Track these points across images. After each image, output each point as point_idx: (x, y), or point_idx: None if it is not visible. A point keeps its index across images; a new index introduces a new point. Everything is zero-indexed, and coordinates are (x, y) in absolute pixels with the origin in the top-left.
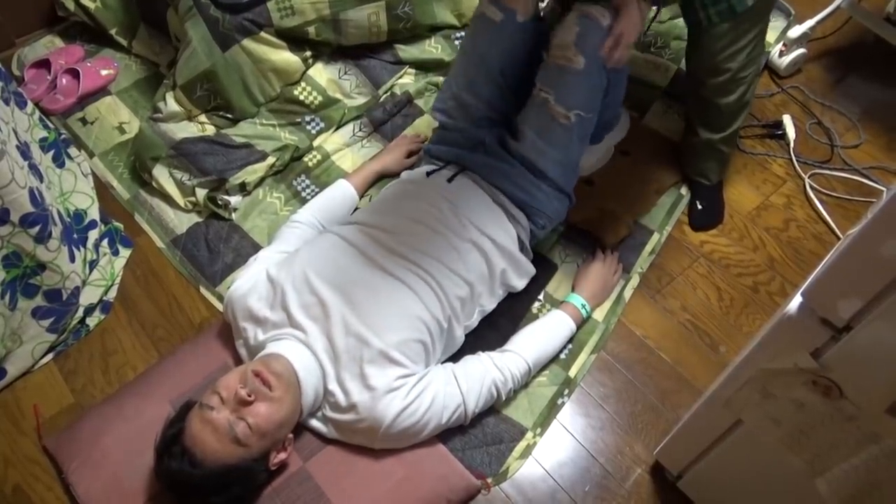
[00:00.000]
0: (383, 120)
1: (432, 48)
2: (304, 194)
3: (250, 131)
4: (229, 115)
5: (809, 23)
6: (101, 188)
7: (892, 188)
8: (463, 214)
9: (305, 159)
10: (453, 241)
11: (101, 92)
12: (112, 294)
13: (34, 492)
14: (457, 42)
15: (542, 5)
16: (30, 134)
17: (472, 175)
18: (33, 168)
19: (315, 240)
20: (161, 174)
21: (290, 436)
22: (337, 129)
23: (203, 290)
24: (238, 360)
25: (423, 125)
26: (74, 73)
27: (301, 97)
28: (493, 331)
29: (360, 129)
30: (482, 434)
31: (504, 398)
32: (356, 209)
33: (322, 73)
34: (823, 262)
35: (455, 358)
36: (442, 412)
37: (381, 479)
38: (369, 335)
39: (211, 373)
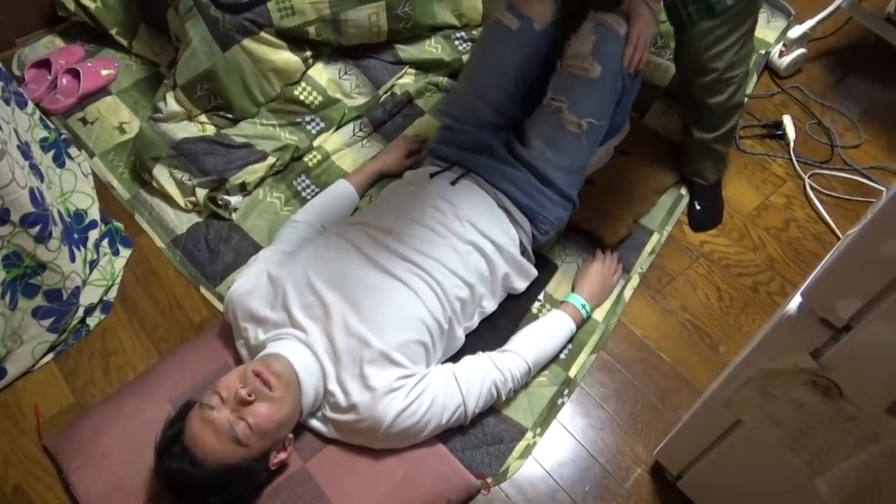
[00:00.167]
0: (383, 120)
1: (432, 48)
2: (304, 194)
3: (250, 131)
4: (229, 115)
5: (810, 23)
6: (102, 188)
7: (892, 188)
8: (465, 217)
9: (305, 159)
10: (455, 244)
11: (102, 92)
12: (112, 294)
13: (34, 491)
14: (457, 42)
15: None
16: (30, 134)
17: (477, 178)
18: (34, 168)
19: (316, 240)
20: (161, 174)
21: (291, 436)
22: (337, 129)
23: (203, 290)
24: (238, 360)
25: (424, 125)
26: (75, 73)
27: (301, 97)
28: (493, 331)
29: (361, 129)
30: (482, 434)
31: (504, 398)
32: (357, 209)
33: (322, 73)
34: (823, 263)
35: (455, 358)
36: (442, 412)
37: (381, 478)
38: (370, 336)
39: (211, 373)
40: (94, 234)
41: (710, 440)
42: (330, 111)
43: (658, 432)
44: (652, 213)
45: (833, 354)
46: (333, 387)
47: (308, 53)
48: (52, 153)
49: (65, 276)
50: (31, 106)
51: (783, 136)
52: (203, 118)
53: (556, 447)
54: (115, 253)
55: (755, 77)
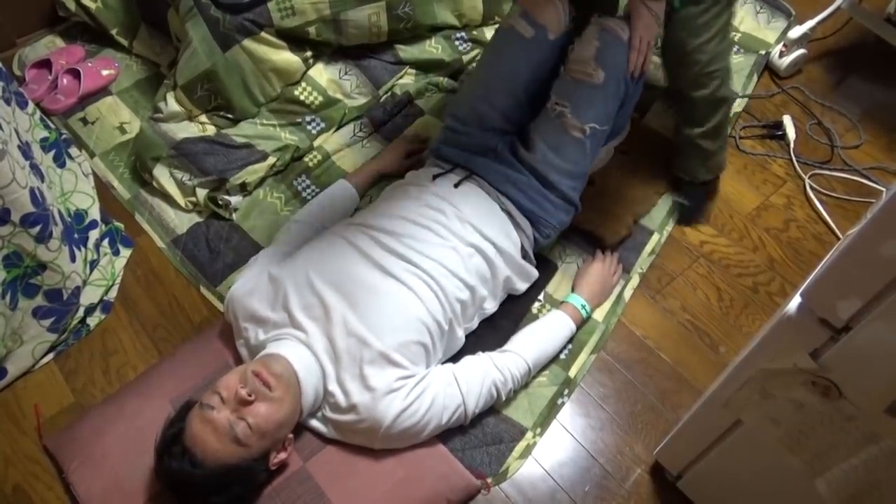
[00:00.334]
0: (384, 120)
1: (433, 48)
2: (304, 194)
3: (251, 131)
4: (230, 116)
5: (810, 23)
6: (102, 188)
7: (892, 188)
8: (467, 219)
9: (306, 159)
10: (456, 245)
11: (102, 92)
12: (113, 294)
13: (35, 491)
14: (457, 42)
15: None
16: (31, 134)
17: (479, 181)
18: (34, 168)
19: (317, 240)
20: (162, 174)
21: (291, 436)
22: (337, 129)
23: (203, 290)
24: (239, 360)
25: (424, 125)
26: (75, 73)
27: (301, 97)
28: (493, 331)
29: (361, 130)
30: (482, 434)
31: (504, 398)
32: (357, 209)
33: (322, 74)
34: (822, 263)
35: (455, 358)
36: (442, 413)
37: (381, 479)
38: (370, 336)
39: (211, 373)
40: (94, 234)
41: (710, 440)
42: (330, 111)
43: (658, 432)
44: (652, 213)
45: (832, 355)
46: (333, 387)
47: (308, 53)
48: (52, 153)
49: (65, 276)
50: (31, 106)
51: (783, 137)
52: (203, 118)
53: (556, 447)
54: (116, 253)
55: (755, 77)
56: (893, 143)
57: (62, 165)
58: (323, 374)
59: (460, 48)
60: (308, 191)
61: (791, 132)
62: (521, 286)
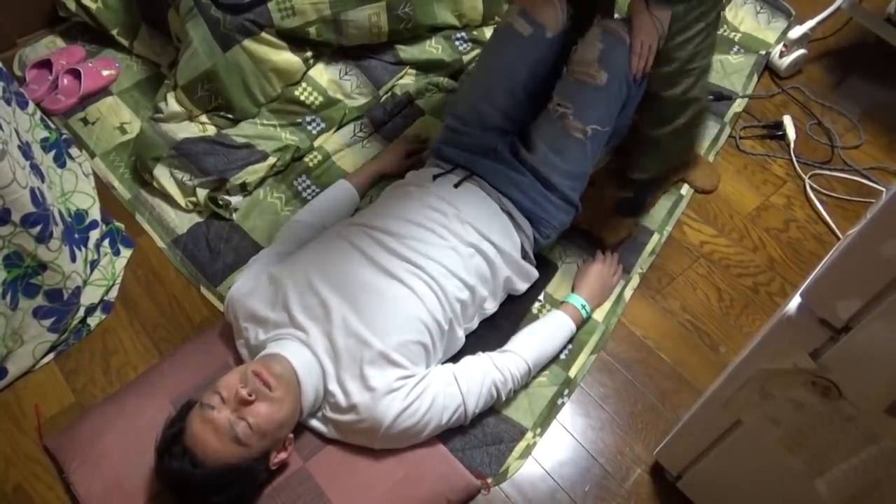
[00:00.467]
0: (384, 120)
1: (433, 49)
2: (304, 194)
3: (251, 131)
4: (230, 116)
5: (810, 23)
6: (103, 188)
7: (892, 188)
8: (467, 220)
9: (306, 159)
10: (456, 246)
11: (103, 92)
12: (113, 294)
13: (35, 491)
14: (457, 42)
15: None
16: (31, 134)
17: (480, 181)
18: (34, 168)
19: (317, 241)
20: (162, 174)
21: (291, 436)
22: (337, 129)
23: (204, 290)
24: (239, 360)
25: (424, 125)
26: (76, 74)
27: (302, 97)
28: (493, 331)
29: (361, 130)
30: (482, 434)
31: (504, 398)
32: (357, 209)
33: (323, 74)
34: (822, 263)
35: (455, 359)
36: (442, 413)
37: (381, 478)
38: (370, 336)
39: (212, 373)
40: (94, 234)
41: (710, 440)
42: (330, 111)
43: (658, 432)
44: (652, 213)
45: (832, 355)
46: (333, 387)
47: (309, 54)
48: (52, 153)
49: (65, 276)
50: (31, 106)
51: (783, 137)
52: (204, 118)
53: (556, 447)
54: (116, 253)
55: (755, 77)
56: (893, 144)
57: (62, 165)
58: (323, 374)
59: (460, 48)
60: (308, 191)
61: (791, 132)
62: (522, 286)
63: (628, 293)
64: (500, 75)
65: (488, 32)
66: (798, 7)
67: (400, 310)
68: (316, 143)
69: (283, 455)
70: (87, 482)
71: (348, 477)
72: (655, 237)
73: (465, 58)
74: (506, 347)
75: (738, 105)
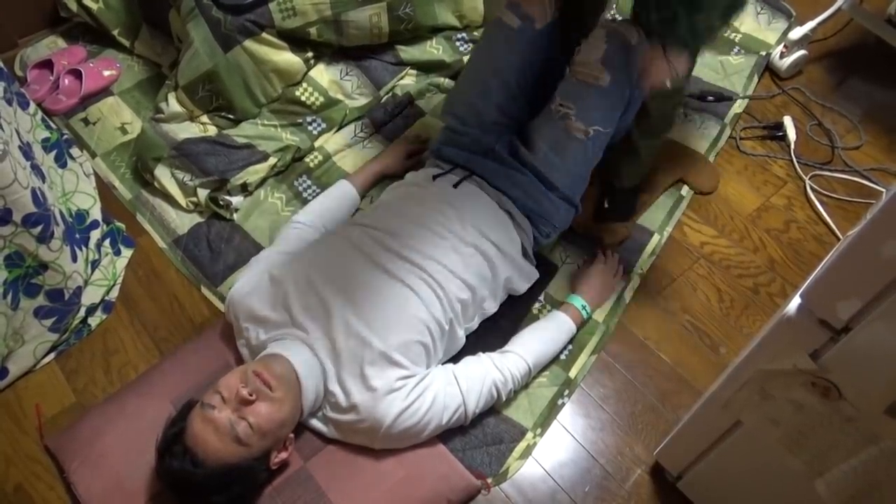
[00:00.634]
0: (385, 121)
1: (433, 49)
2: (305, 195)
3: (252, 132)
4: (231, 116)
5: (810, 24)
6: (103, 188)
7: (892, 189)
8: (467, 220)
9: (307, 160)
10: (457, 245)
11: (104, 92)
12: (114, 294)
13: (36, 491)
14: (458, 43)
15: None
16: (32, 134)
17: (479, 181)
18: (35, 168)
19: (318, 241)
20: (163, 174)
21: (291, 435)
22: (338, 129)
23: (204, 290)
24: (239, 360)
25: (425, 126)
26: (77, 74)
27: (302, 98)
28: (493, 331)
29: (362, 130)
30: (482, 434)
31: (504, 399)
32: (358, 210)
33: (323, 74)
34: (822, 264)
35: (456, 359)
36: (442, 413)
37: (381, 478)
38: (370, 336)
39: (212, 372)
40: (95, 235)
41: (710, 441)
42: (331, 112)
43: (658, 433)
44: (652, 214)
45: (832, 355)
46: (334, 387)
47: (309, 54)
48: (53, 153)
49: (66, 276)
50: (33, 106)
51: (784, 138)
52: (205, 119)
53: (557, 448)
54: (117, 253)
55: (756, 78)
56: (894, 145)
57: (63, 166)
58: (324, 374)
59: (461, 49)
60: (309, 191)
61: (791, 133)
62: (522, 286)
63: (628, 294)
64: (493, 69)
65: None
66: (798, 8)
67: (401, 310)
68: (317, 144)
69: (283, 455)
70: (87, 482)
71: (348, 477)
72: (656, 238)
73: (466, 58)
74: (506, 348)
75: (738, 106)
